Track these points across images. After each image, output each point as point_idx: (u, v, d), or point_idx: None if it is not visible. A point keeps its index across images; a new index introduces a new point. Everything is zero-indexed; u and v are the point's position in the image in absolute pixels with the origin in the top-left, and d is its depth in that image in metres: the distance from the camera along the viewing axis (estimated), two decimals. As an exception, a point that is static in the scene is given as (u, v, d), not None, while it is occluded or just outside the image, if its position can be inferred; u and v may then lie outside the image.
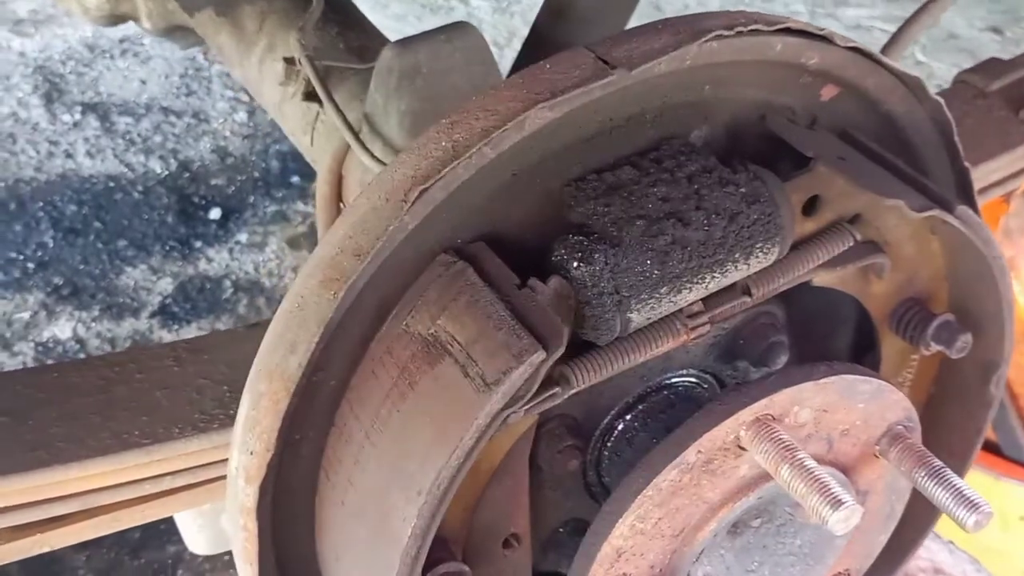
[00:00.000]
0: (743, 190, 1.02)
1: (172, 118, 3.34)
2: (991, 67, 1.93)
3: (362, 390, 1.01)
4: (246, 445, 1.02)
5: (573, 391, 1.01)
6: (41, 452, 1.28)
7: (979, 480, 2.17)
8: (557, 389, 0.99)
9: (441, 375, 0.96)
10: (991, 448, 2.21)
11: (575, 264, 0.97)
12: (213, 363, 1.43)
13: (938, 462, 1.09)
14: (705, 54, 1.00)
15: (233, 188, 3.15)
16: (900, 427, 1.12)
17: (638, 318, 0.99)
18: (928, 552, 2.38)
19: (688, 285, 1.00)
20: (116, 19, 2.25)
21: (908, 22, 1.81)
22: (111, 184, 3.13)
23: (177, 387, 1.40)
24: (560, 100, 0.94)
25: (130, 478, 1.34)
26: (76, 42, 3.56)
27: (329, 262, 0.96)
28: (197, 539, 1.58)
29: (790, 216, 1.04)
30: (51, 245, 2.96)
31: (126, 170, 3.17)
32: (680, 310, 1.04)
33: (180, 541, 2.36)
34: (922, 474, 1.09)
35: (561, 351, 0.92)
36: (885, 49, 1.79)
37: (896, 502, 1.21)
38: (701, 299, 1.05)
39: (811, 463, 0.98)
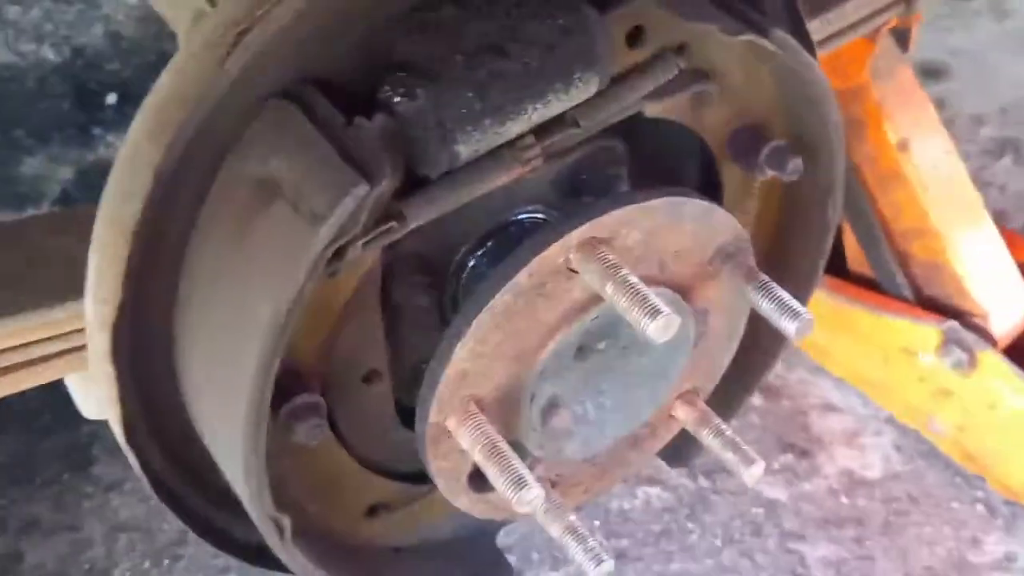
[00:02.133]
0: (560, 22, 1.05)
1: (63, 5, 3.27)
2: (853, -95, 1.96)
3: (205, 235, 1.05)
4: (97, 295, 1.05)
5: (411, 226, 1.05)
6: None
7: (860, 316, 2.27)
8: (393, 224, 1.03)
9: (274, 214, 0.99)
10: (870, 284, 2.30)
11: (397, 99, 1.00)
12: (91, 229, 1.46)
13: (765, 276, 1.16)
14: None
15: (129, 72, 3.11)
16: (731, 247, 1.17)
17: (465, 151, 1.03)
18: (819, 389, 2.49)
19: (511, 115, 1.04)
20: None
21: None
22: (5, 74, 3.08)
23: (56, 255, 1.43)
24: (370, -64, 0.96)
25: (14, 343, 1.39)
26: (-42, -69, 3.45)
27: (156, 110, 0.99)
28: (87, 404, 1.62)
29: (608, 46, 1.07)
30: (-55, 139, 2.92)
31: (18, 60, 3.12)
32: (511, 143, 1.08)
33: (92, 422, 2.41)
34: (750, 288, 1.16)
35: (384, 183, 0.96)
36: None
37: (736, 321, 1.27)
38: (532, 132, 1.09)
39: (633, 279, 1.03)
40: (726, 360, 1.31)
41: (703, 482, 2.31)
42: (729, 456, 1.24)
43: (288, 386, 1.08)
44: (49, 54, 3.15)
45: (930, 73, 3.18)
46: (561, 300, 1.09)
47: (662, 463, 2.04)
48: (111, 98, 3.05)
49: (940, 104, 3.07)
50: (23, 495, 2.29)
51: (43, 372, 1.43)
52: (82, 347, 1.42)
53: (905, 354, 2.24)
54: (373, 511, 1.30)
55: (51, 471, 2.33)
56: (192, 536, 1.26)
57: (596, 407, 1.21)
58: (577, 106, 1.10)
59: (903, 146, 2.12)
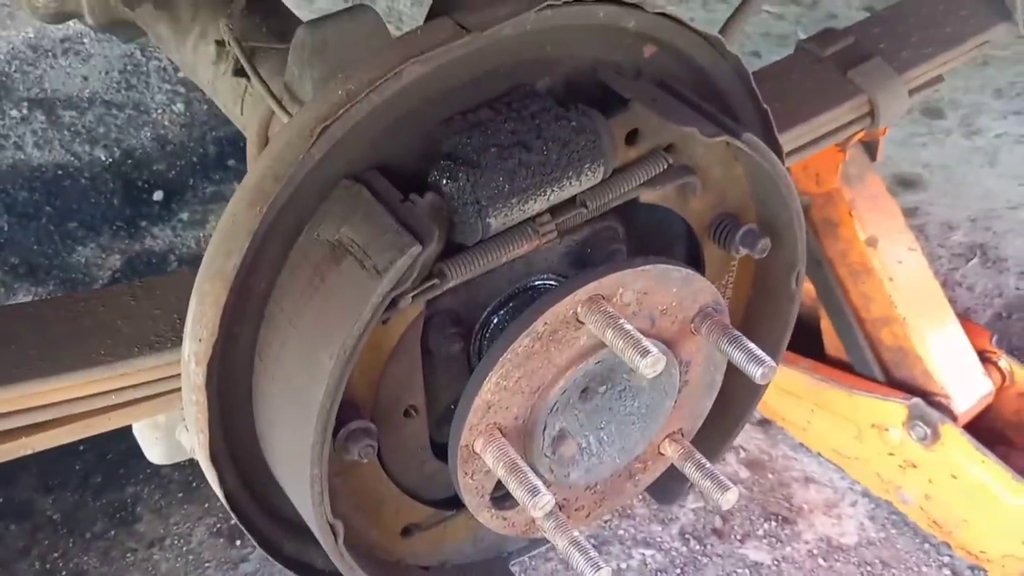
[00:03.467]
0: (573, 124, 1.32)
1: (114, 110, 3.60)
2: (825, 36, 2.27)
3: (285, 288, 1.30)
4: (195, 334, 1.30)
5: (450, 284, 1.31)
6: (23, 369, 1.53)
7: (836, 395, 2.51)
8: (436, 281, 1.29)
9: (344, 270, 1.25)
10: (845, 367, 2.55)
11: (444, 182, 1.27)
12: (164, 297, 1.70)
13: (736, 332, 1.41)
14: (541, 20, 1.30)
15: (174, 172, 3.42)
16: (710, 308, 1.43)
17: (496, 223, 1.29)
18: (800, 464, 2.72)
19: (533, 197, 1.30)
20: (62, 16, 2.46)
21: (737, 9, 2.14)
22: (59, 172, 3.39)
23: (135, 317, 1.67)
24: (426, 57, 1.24)
25: (97, 390, 1.60)
26: (20, 43, 3.80)
27: (254, 187, 1.25)
28: (154, 451, 1.84)
29: (611, 144, 1.34)
30: (6, 228, 3.21)
31: (73, 159, 3.43)
32: (532, 219, 1.34)
33: (138, 483, 2.65)
34: (724, 341, 1.41)
35: (433, 246, 1.22)
36: (725, 27, 2.12)
37: (715, 373, 1.52)
38: (548, 211, 1.35)
39: (629, 326, 1.28)
40: (707, 406, 1.55)
41: (694, 546, 2.53)
42: (707, 484, 1.48)
43: (345, 414, 1.32)
44: (101, 154, 3.46)
45: (905, 184, 3.48)
46: (570, 346, 1.34)
47: (657, 532, 2.28)
48: (157, 195, 3.35)
49: (914, 212, 3.37)
50: (73, 549, 2.51)
51: (129, 414, 1.64)
52: (161, 394, 1.66)
53: (876, 430, 2.47)
54: (407, 531, 1.53)
55: (99, 527, 2.55)
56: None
57: (597, 441, 1.45)
58: (585, 191, 1.36)
59: (871, 243, 2.39)
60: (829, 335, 2.57)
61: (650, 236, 1.56)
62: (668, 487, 1.67)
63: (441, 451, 1.48)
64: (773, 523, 2.59)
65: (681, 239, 1.60)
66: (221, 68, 1.86)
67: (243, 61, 1.76)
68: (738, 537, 2.55)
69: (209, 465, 1.38)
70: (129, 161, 3.45)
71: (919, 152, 3.59)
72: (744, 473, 2.69)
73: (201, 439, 1.36)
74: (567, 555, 1.42)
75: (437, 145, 1.31)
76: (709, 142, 1.37)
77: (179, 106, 3.61)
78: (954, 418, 2.40)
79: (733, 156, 1.50)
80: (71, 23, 3.74)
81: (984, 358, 2.52)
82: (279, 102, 1.71)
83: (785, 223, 1.53)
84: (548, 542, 1.70)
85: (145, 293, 1.73)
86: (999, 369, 2.53)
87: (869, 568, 2.50)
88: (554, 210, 1.36)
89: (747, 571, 2.49)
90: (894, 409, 2.42)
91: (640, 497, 2.57)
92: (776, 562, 2.51)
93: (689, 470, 1.51)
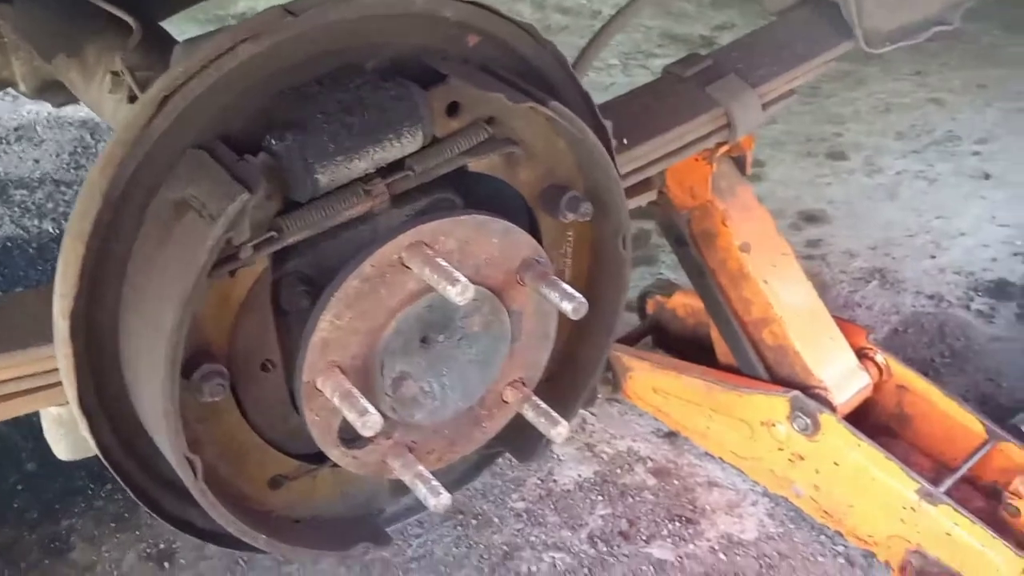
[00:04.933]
0: (392, 93, 1.50)
1: (63, 188, 3.81)
2: (689, 60, 2.47)
3: (141, 247, 1.46)
4: (60, 291, 1.46)
5: (288, 239, 1.47)
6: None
7: (728, 397, 2.65)
8: (274, 234, 1.46)
9: (187, 222, 1.41)
10: (733, 369, 2.70)
11: (274, 143, 1.45)
12: (65, 299, 1.86)
13: (554, 276, 1.57)
14: (358, 7, 1.49)
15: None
16: (533, 260, 1.59)
17: (324, 179, 1.46)
18: (705, 470, 2.85)
19: (357, 155, 1.47)
20: (-3, 84, 2.66)
21: (599, 32, 2.36)
22: (8, 244, 3.57)
23: (39, 317, 1.83)
24: (254, 36, 1.43)
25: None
26: (-25, 132, 4.03)
27: (106, 155, 1.42)
28: (61, 447, 1.98)
29: (428, 111, 1.52)
30: (-45, 296, 3.38)
31: (22, 232, 3.62)
32: (360, 180, 1.51)
33: (73, 516, 2.76)
34: (543, 284, 1.57)
35: (260, 193, 1.38)
36: (580, 59, 2.33)
37: (547, 325, 1.68)
38: (378, 174, 1.53)
39: (443, 263, 1.45)
40: (543, 357, 1.71)
41: (602, 548, 2.64)
42: (542, 421, 1.63)
43: (199, 360, 1.48)
44: (49, 227, 3.65)
45: (810, 219, 3.68)
46: (399, 289, 1.50)
47: (567, 537, 2.41)
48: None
49: (817, 243, 3.56)
50: (9, 578, 2.62)
51: (29, 402, 1.78)
52: (59, 383, 1.80)
53: (765, 427, 2.61)
54: (276, 483, 1.66)
55: (34, 556, 2.67)
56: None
57: (440, 385, 1.60)
58: (411, 155, 1.54)
59: (745, 248, 2.56)
60: (719, 343, 2.73)
61: (488, 209, 1.73)
62: (525, 445, 1.81)
63: (302, 406, 1.62)
64: (677, 524, 2.71)
65: (519, 213, 1.76)
66: (118, 96, 2.06)
67: (133, 86, 1.96)
68: (643, 538, 2.67)
69: (80, 414, 1.52)
70: (75, 231, 3.64)
71: (823, 190, 3.80)
72: (651, 481, 2.82)
73: (71, 392, 1.51)
74: (412, 487, 1.56)
75: (273, 116, 1.49)
76: (514, 107, 1.54)
77: (124, 180, 3.82)
78: (833, 408, 2.54)
79: (554, 131, 1.67)
80: (24, 112, 3.98)
81: (862, 354, 2.67)
82: (164, 117, 1.90)
83: (607, 190, 1.70)
84: (422, 509, 1.84)
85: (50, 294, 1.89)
86: (876, 364, 2.68)
87: (768, 560, 2.61)
88: (384, 173, 1.53)
89: (652, 568, 2.60)
90: (777, 403, 2.56)
91: (551, 506, 2.70)
92: (679, 559, 2.62)
93: (527, 411, 1.66)
